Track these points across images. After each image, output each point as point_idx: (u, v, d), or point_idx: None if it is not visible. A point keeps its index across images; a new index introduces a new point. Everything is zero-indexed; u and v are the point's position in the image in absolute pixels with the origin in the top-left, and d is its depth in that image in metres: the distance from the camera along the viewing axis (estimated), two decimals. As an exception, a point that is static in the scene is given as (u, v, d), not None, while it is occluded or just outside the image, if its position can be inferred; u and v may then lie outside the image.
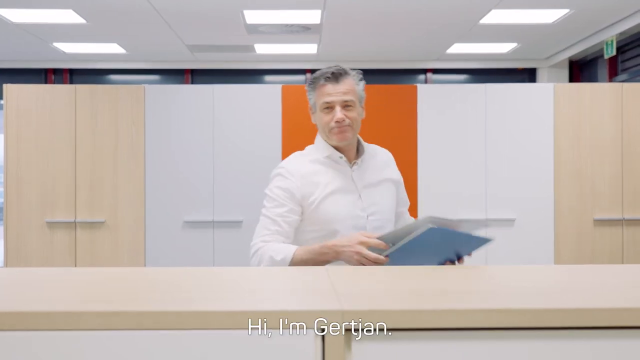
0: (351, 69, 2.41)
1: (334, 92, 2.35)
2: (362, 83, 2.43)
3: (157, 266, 4.96)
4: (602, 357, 1.24)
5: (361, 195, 2.40)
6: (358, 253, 2.08)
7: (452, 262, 2.11)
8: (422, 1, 5.45)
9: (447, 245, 2.06)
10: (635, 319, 1.24)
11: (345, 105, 2.36)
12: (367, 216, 2.38)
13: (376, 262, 2.04)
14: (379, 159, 2.53)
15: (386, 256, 2.05)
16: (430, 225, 1.94)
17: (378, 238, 2.10)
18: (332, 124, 2.36)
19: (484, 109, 5.26)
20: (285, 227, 2.31)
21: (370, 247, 2.09)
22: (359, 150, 2.48)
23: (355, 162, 2.43)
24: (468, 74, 8.46)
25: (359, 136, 2.49)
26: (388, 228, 2.40)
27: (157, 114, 5.23)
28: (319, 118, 2.41)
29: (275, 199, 2.35)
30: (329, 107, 2.36)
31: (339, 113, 2.34)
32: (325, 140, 2.44)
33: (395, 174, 2.56)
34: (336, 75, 2.35)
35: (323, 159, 2.42)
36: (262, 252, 2.26)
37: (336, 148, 2.42)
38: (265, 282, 1.65)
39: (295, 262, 2.19)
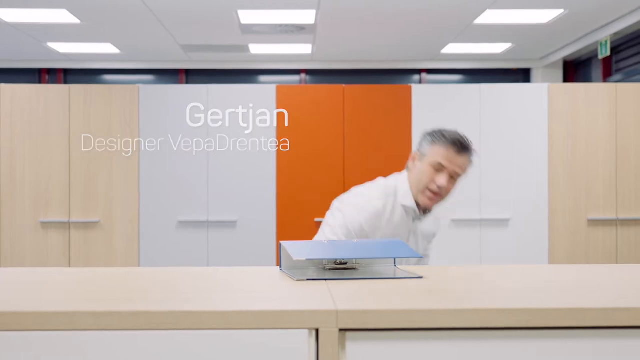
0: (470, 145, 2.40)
1: (453, 160, 2.36)
2: (472, 161, 2.44)
3: (151, 266, 4.94)
4: (600, 356, 1.24)
5: (417, 247, 2.47)
6: None
7: None
8: (416, 1, 5.46)
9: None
10: (634, 318, 1.24)
11: (452, 177, 2.38)
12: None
13: None
14: (433, 213, 2.54)
15: None
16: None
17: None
18: (433, 185, 2.37)
19: (478, 109, 5.26)
20: None
21: None
22: None
23: (420, 216, 2.45)
24: (462, 74, 8.47)
25: None
26: None
27: (152, 114, 5.22)
28: (423, 170, 2.39)
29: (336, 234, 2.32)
30: (439, 170, 2.36)
31: (444, 180, 2.35)
32: (413, 193, 2.41)
33: (436, 226, 2.61)
34: (463, 147, 2.37)
35: (403, 207, 2.41)
36: None
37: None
38: (260, 282, 1.65)
39: None
